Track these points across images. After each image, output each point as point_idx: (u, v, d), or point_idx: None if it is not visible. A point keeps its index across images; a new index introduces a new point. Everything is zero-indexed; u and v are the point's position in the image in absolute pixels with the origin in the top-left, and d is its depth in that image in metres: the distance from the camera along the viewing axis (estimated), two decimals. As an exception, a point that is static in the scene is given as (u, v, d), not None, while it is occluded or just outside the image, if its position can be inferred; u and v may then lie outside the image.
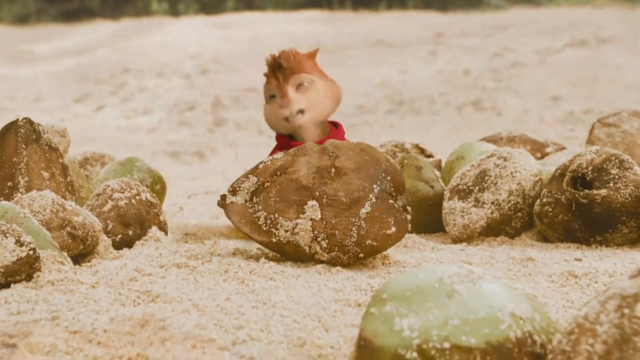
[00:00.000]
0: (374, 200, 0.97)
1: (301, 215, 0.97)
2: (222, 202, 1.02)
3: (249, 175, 1.01)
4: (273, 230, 0.98)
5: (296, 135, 1.18)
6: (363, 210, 0.96)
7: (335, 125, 1.22)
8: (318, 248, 0.97)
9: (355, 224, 0.96)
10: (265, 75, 1.20)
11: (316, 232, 0.96)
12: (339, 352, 0.65)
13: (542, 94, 3.26)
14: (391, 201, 0.98)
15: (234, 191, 1.01)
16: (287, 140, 1.19)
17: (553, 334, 0.60)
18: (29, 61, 4.93)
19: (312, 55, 1.20)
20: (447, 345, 0.57)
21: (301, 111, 1.16)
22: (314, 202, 0.96)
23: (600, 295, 0.57)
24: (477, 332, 0.57)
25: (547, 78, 3.46)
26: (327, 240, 0.97)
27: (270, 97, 1.18)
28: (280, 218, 0.97)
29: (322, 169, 0.98)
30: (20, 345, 0.66)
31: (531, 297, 0.62)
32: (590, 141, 1.57)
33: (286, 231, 0.97)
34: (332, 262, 0.97)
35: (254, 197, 0.99)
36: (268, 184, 0.99)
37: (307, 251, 0.97)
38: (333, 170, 0.97)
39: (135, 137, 2.96)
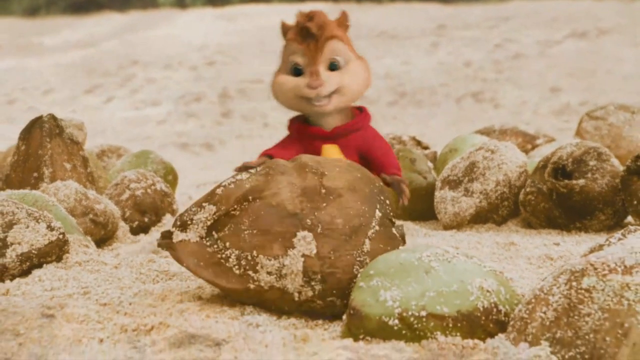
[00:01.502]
0: (377, 227, 0.77)
1: (289, 252, 0.74)
2: (167, 242, 0.76)
3: (204, 204, 0.76)
4: (250, 272, 0.74)
5: (313, 119, 0.96)
6: (367, 243, 0.76)
7: (360, 109, 0.99)
8: (310, 293, 0.75)
9: (359, 260, 0.75)
10: (288, 33, 0.95)
11: (310, 273, 0.74)
12: (333, 322, 0.75)
13: (542, 85, 3.34)
14: (393, 230, 0.79)
15: (182, 225, 0.77)
16: (304, 126, 0.96)
17: (516, 304, 0.69)
18: (39, 53, 5.03)
19: (343, 23, 0.96)
20: (424, 313, 0.66)
21: (329, 95, 0.93)
22: (306, 233, 0.74)
23: (555, 271, 0.67)
24: (450, 302, 0.67)
25: (547, 69, 3.54)
26: (323, 284, 0.74)
27: (293, 68, 0.94)
28: (261, 256, 0.74)
29: (309, 190, 0.76)
30: (58, 316, 0.75)
31: (498, 273, 0.71)
32: (579, 133, 1.67)
33: (269, 273, 0.74)
34: (322, 311, 0.76)
35: (214, 232, 0.76)
36: (236, 212, 0.76)
37: (296, 298, 0.75)
38: (323, 191, 0.76)
39: (145, 128, 3.06)
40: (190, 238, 0.76)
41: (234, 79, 3.89)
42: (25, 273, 0.93)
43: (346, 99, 0.94)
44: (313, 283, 0.74)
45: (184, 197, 1.73)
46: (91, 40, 5.25)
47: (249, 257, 0.74)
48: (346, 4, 5.63)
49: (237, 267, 0.75)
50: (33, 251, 0.94)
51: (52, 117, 1.26)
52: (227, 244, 0.75)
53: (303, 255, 0.74)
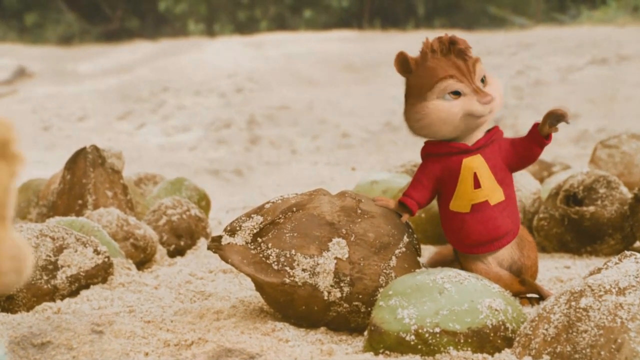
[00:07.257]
0: (403, 249, 0.85)
1: (324, 253, 0.83)
2: (216, 245, 0.85)
3: (252, 215, 0.86)
4: (287, 269, 0.82)
5: (460, 137, 0.91)
6: (393, 259, 0.84)
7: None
8: (338, 294, 0.82)
9: (385, 272, 0.83)
10: (429, 53, 0.90)
11: (340, 274, 0.82)
12: (356, 338, 0.83)
13: (562, 111, 3.39)
14: (418, 258, 0.88)
15: (232, 231, 0.85)
16: (443, 144, 0.91)
17: (522, 322, 0.76)
18: (74, 80, 5.17)
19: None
20: (437, 330, 0.74)
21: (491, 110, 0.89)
22: (341, 240, 0.83)
23: (556, 292, 0.74)
24: (461, 320, 0.74)
25: (567, 96, 3.60)
26: (351, 287, 0.82)
27: (453, 93, 0.88)
28: (299, 254, 0.82)
29: (347, 208, 0.86)
30: (106, 332, 0.83)
31: (505, 294, 0.78)
32: (593, 161, 1.73)
33: (304, 270, 0.82)
34: (346, 317, 0.84)
35: (259, 238, 0.85)
36: (281, 220, 0.85)
37: (325, 297, 0.82)
38: (359, 211, 0.86)
39: (177, 154, 3.17)
40: (237, 242, 0.85)
41: (262, 105, 3.99)
42: (74, 293, 1.01)
43: (495, 112, 0.91)
44: (342, 284, 0.82)
45: (214, 222, 1.82)
46: (123, 68, 5.38)
47: (288, 255, 0.83)
48: (371, 32, 5.74)
49: (276, 263, 0.83)
50: (81, 273, 1.02)
51: (95, 148, 1.36)
52: (270, 244, 0.84)
53: (336, 258, 0.82)
